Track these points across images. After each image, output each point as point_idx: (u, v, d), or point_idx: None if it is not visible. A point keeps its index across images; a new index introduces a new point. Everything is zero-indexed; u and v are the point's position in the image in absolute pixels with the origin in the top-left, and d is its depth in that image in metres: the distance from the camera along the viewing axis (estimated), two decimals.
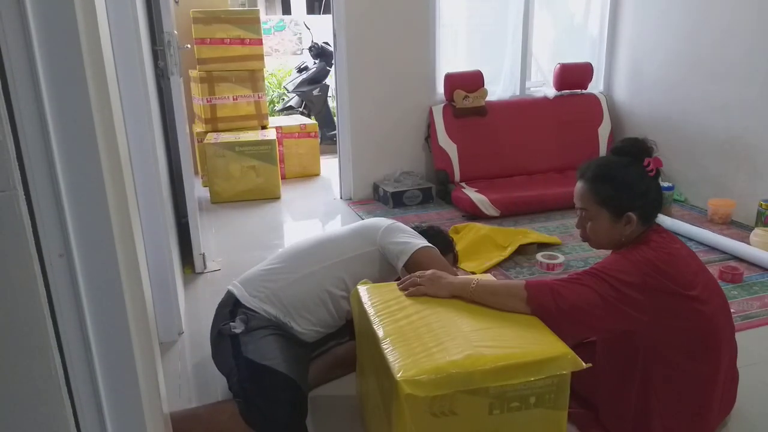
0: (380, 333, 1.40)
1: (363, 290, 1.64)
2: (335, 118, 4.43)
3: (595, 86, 4.41)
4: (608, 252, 1.61)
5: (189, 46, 3.34)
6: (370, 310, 1.51)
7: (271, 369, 1.59)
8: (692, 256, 1.55)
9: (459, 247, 3.00)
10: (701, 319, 1.46)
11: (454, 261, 2.17)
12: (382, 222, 1.97)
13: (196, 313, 2.48)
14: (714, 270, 2.75)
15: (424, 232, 2.04)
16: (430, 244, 1.88)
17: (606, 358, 1.59)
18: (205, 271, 2.87)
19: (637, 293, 1.41)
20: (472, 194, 3.60)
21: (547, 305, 1.43)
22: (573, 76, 4.22)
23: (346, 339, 2.00)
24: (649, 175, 1.53)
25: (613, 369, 1.57)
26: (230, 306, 1.79)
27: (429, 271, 1.61)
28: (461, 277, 1.63)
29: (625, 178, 1.54)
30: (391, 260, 1.87)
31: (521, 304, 1.46)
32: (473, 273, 2.75)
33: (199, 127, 4.48)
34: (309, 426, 1.75)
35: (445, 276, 1.59)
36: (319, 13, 9.73)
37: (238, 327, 1.70)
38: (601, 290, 1.41)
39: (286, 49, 9.00)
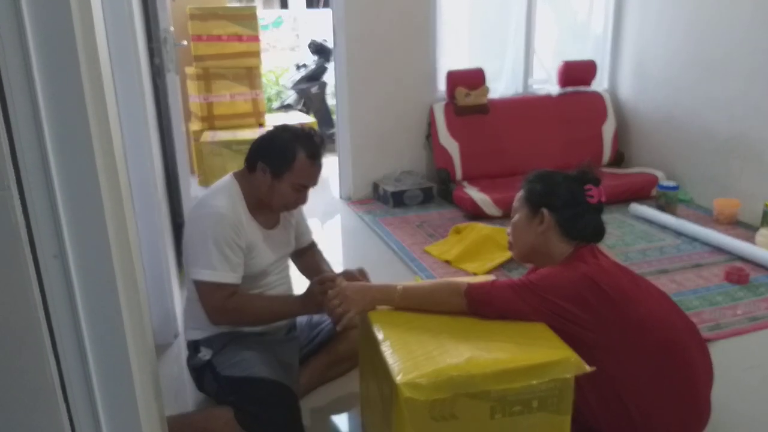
0: (380, 336, 1.39)
1: None
2: (334, 117, 4.40)
3: (599, 84, 4.38)
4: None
5: (185, 42, 3.31)
6: (372, 314, 1.50)
7: (252, 378, 1.60)
8: (628, 273, 1.53)
9: (461, 247, 3.00)
10: (653, 329, 1.43)
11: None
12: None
13: None
14: (719, 271, 2.73)
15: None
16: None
17: (593, 409, 1.48)
18: None
19: (569, 304, 1.39)
20: (474, 194, 3.58)
21: (482, 310, 1.44)
22: (577, 73, 4.19)
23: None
24: (588, 201, 1.53)
25: (603, 416, 1.48)
26: (190, 346, 1.80)
27: (346, 287, 1.54)
28: (380, 285, 1.57)
29: (555, 180, 1.57)
30: None
31: (459, 302, 1.45)
32: (475, 274, 2.73)
33: (195, 126, 4.45)
34: (308, 428, 1.74)
35: (366, 289, 1.54)
36: (318, 7, 9.69)
37: (206, 354, 1.71)
38: (529, 301, 1.41)
39: (283, 45, 8.96)
